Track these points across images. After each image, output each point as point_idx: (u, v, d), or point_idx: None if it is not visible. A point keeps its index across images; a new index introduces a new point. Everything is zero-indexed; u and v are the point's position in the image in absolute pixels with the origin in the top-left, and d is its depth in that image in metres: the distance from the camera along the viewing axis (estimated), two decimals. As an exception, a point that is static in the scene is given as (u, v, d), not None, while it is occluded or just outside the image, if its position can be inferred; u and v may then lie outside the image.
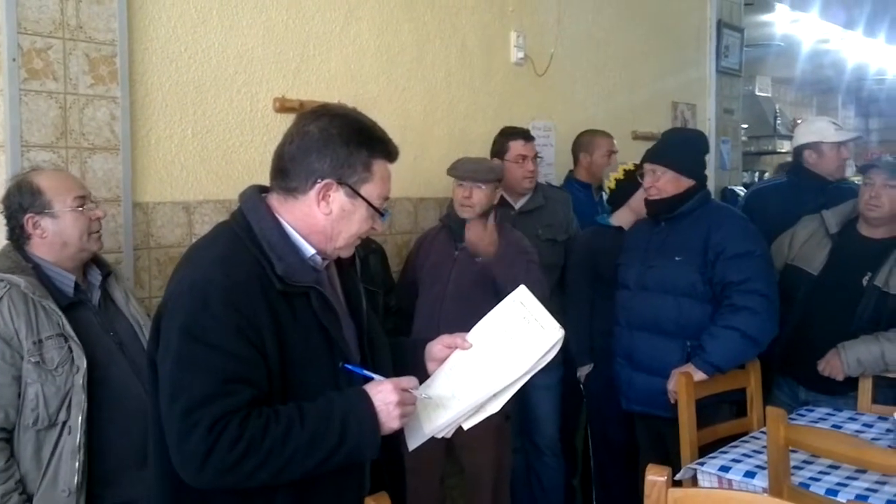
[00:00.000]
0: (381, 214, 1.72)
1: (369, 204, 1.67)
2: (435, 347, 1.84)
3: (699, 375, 2.83)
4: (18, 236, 2.19)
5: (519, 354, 1.74)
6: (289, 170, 1.65)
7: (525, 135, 3.56)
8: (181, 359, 1.50)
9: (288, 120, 2.91)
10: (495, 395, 1.73)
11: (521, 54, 4.12)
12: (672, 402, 2.85)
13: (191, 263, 1.63)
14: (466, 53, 3.87)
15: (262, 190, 1.72)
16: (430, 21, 3.68)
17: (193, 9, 2.81)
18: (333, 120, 1.65)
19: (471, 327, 1.87)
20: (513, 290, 1.89)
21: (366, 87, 3.37)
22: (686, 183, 3.07)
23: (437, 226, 3.37)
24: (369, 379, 1.66)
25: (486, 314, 1.87)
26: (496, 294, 2.99)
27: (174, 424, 1.48)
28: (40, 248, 2.19)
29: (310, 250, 1.68)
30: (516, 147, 3.53)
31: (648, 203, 3.13)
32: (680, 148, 3.15)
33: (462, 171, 3.15)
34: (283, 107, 3.04)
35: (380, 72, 3.46)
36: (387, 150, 1.69)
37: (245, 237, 1.62)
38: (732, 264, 2.90)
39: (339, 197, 1.65)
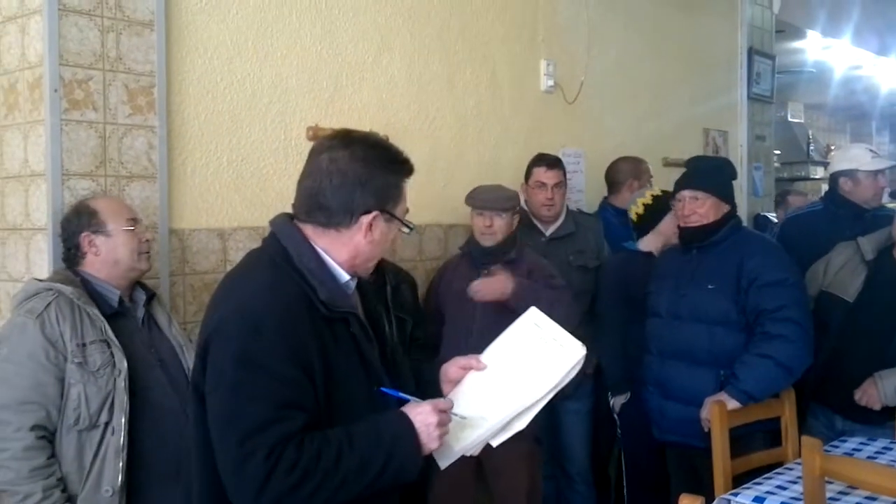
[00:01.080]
0: (410, 229, 1.77)
1: (402, 222, 1.74)
2: (450, 369, 1.85)
3: (733, 404, 2.80)
4: (74, 255, 2.32)
5: (542, 372, 1.75)
6: (331, 207, 1.66)
7: (549, 161, 3.56)
8: (235, 386, 1.51)
9: (321, 148, 2.99)
10: (522, 413, 1.74)
11: (550, 82, 4.14)
12: (705, 430, 2.82)
13: (235, 291, 1.64)
14: (496, 82, 3.90)
15: (291, 217, 1.74)
16: (461, 51, 3.72)
17: (229, 40, 2.87)
18: (369, 150, 1.68)
19: None
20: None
21: (397, 115, 3.41)
22: (724, 209, 3.06)
23: (457, 254, 3.39)
24: (405, 401, 1.67)
25: None
26: None
27: (230, 452, 1.49)
28: (93, 266, 2.31)
29: (344, 276, 1.70)
30: (537, 173, 3.55)
31: (686, 230, 3.10)
32: (716, 173, 3.14)
33: (480, 200, 3.19)
34: (316, 135, 3.08)
35: (411, 100, 3.49)
36: (410, 170, 1.75)
37: (285, 264, 1.64)
38: (766, 292, 2.88)
39: (380, 224, 1.69)
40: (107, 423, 2.16)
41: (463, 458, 1.78)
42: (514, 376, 1.78)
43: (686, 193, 3.09)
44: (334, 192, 1.65)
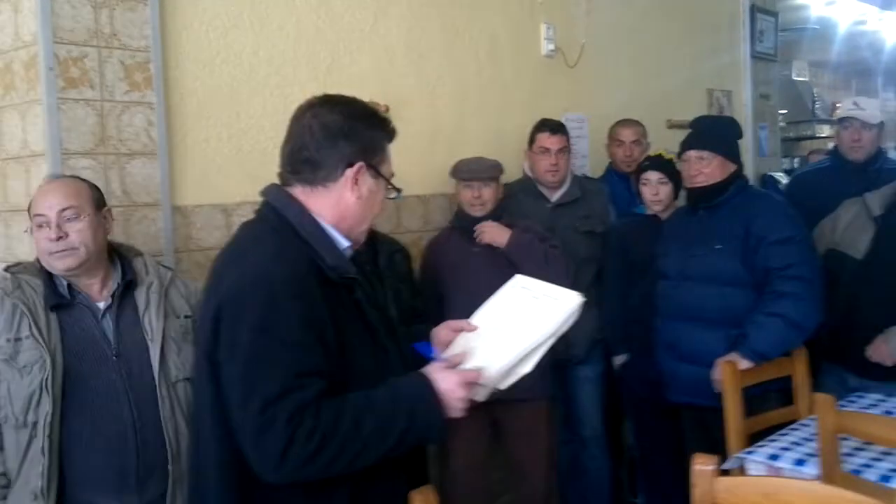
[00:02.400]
0: (398, 192, 1.78)
1: (389, 183, 1.75)
2: (441, 332, 1.87)
3: (744, 364, 2.79)
4: None
5: (539, 319, 1.76)
6: (317, 160, 1.67)
7: (552, 127, 3.53)
8: (252, 356, 1.50)
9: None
10: (526, 356, 1.73)
11: (551, 46, 4.09)
12: (717, 391, 2.81)
13: (243, 260, 1.62)
14: (496, 48, 3.85)
15: (282, 185, 1.73)
16: (459, 17, 3.67)
17: (224, 13, 2.83)
18: (350, 106, 1.72)
19: None
20: (538, 274, 1.92)
21: (397, 85, 3.37)
22: (731, 168, 3.04)
23: (445, 229, 3.38)
24: (429, 359, 1.69)
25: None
26: None
27: (249, 423, 1.48)
28: None
29: (343, 242, 1.70)
30: (541, 139, 3.52)
31: (693, 191, 3.08)
32: (722, 132, 3.12)
33: (467, 172, 3.22)
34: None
35: (410, 70, 3.46)
36: (392, 131, 1.78)
37: (289, 232, 1.64)
38: (774, 250, 2.86)
39: (367, 179, 1.69)
40: (34, 424, 2.05)
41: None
42: (511, 327, 1.79)
43: (692, 153, 3.06)
44: (318, 145, 1.67)
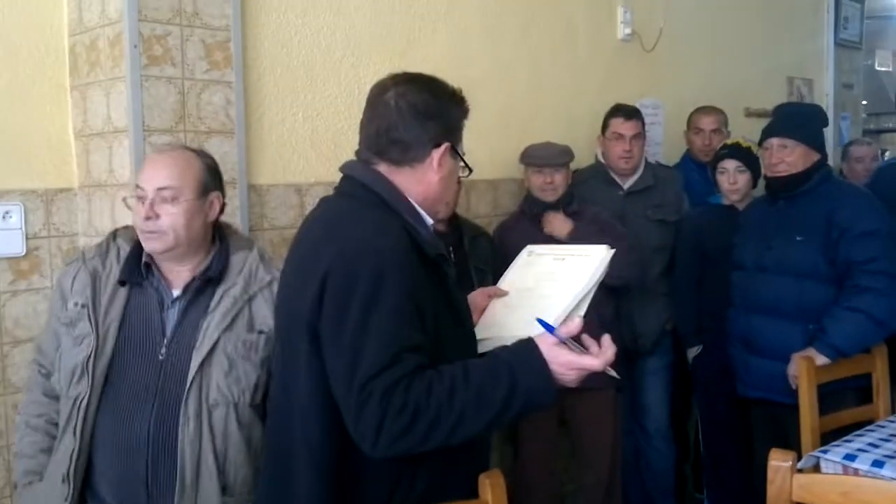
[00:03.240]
0: (470, 170, 1.76)
1: (464, 162, 1.73)
2: (476, 297, 1.88)
3: (821, 360, 2.71)
4: None
5: (572, 276, 1.76)
6: (406, 140, 1.64)
7: (627, 112, 3.47)
8: (360, 330, 1.49)
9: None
10: (570, 316, 1.69)
11: (628, 30, 4.02)
12: (793, 387, 2.74)
13: (345, 234, 1.59)
14: (571, 30, 3.80)
15: (364, 162, 1.71)
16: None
17: (303, -7, 2.85)
18: (434, 84, 1.69)
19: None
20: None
21: (471, 66, 3.35)
22: (814, 157, 2.95)
23: (514, 214, 3.36)
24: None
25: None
26: None
27: (352, 398, 1.48)
28: None
29: (429, 219, 1.70)
30: (614, 124, 3.46)
31: (774, 180, 3.00)
32: (806, 120, 3.03)
33: (538, 158, 3.21)
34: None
35: (484, 51, 3.43)
36: (467, 108, 1.74)
37: (382, 207, 1.63)
38: (857, 243, 2.76)
39: (448, 159, 1.68)
40: (74, 399, 1.94)
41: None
42: (545, 289, 1.78)
43: (774, 141, 2.98)
44: (407, 126, 1.64)
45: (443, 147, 1.66)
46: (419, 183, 1.67)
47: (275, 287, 1.94)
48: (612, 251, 1.77)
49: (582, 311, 1.71)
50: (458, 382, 1.49)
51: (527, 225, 3.22)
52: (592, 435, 3.19)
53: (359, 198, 1.66)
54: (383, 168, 1.67)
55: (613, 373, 1.58)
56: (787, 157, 2.94)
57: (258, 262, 2.08)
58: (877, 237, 2.79)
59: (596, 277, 1.73)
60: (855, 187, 3.10)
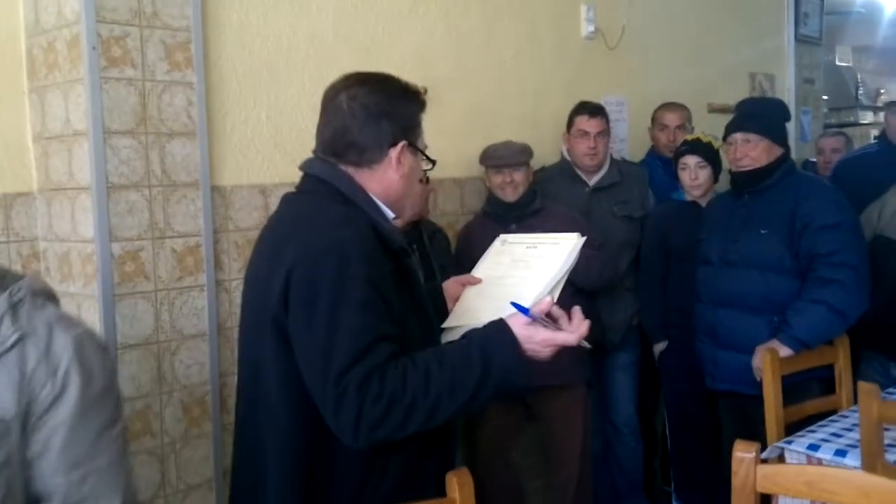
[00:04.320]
0: (433, 164, 1.77)
1: (425, 155, 1.75)
2: (450, 286, 1.92)
3: (785, 351, 2.75)
4: None
5: (544, 263, 1.78)
6: (361, 142, 1.66)
7: (591, 110, 3.49)
8: (330, 323, 1.49)
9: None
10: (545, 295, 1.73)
11: (591, 28, 4.04)
12: (757, 379, 2.77)
13: (309, 229, 1.60)
14: (536, 29, 3.81)
15: (326, 160, 1.71)
16: (499, -2, 3.64)
17: (265, -7, 2.83)
18: (386, 83, 1.70)
19: None
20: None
21: (435, 67, 3.35)
22: (777, 152, 2.99)
23: (477, 214, 3.37)
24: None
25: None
26: None
27: (329, 391, 1.48)
28: None
29: (390, 214, 1.71)
30: (579, 122, 3.48)
31: (738, 174, 3.03)
32: (768, 115, 3.07)
33: (497, 158, 3.21)
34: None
35: (449, 51, 3.43)
36: (424, 102, 1.76)
37: (345, 202, 1.64)
38: (820, 236, 2.80)
39: (408, 156, 1.70)
40: None
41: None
42: (517, 276, 1.81)
43: (738, 136, 3.01)
44: (361, 128, 1.66)
45: (399, 145, 1.67)
46: (380, 182, 1.68)
47: (29, 348, 1.19)
48: (584, 238, 1.80)
49: (555, 296, 1.72)
50: (433, 367, 1.51)
51: (491, 225, 3.22)
52: (562, 431, 3.19)
53: (320, 193, 1.67)
54: (345, 168, 1.69)
55: (586, 344, 1.63)
56: (750, 152, 2.97)
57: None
58: (839, 230, 2.83)
59: (569, 264, 1.76)
60: (818, 181, 3.15)
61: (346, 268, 1.51)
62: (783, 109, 3.21)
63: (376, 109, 1.66)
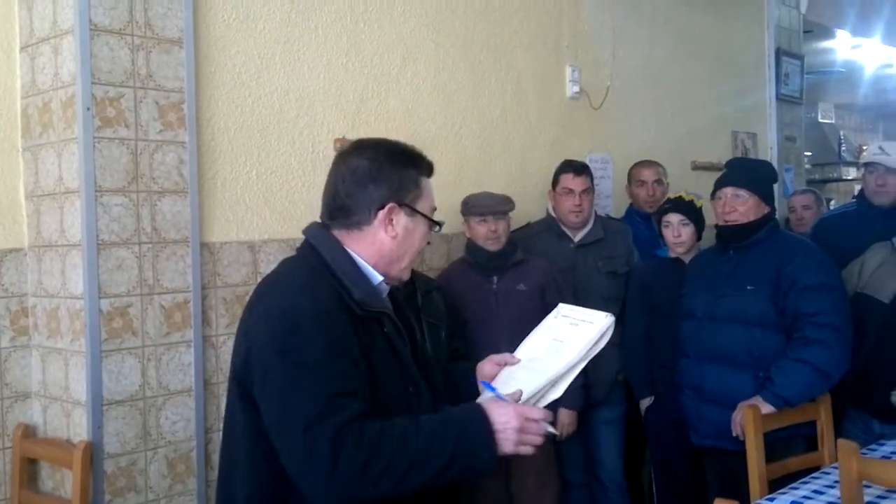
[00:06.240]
0: (439, 225, 1.82)
1: (427, 218, 1.77)
2: (486, 366, 1.91)
3: (767, 408, 2.77)
4: None
5: (570, 344, 1.80)
6: (349, 206, 1.73)
7: (576, 168, 3.55)
8: (286, 383, 1.55)
9: (348, 160, 3.01)
10: (557, 382, 1.76)
11: (576, 88, 4.14)
12: (734, 434, 2.79)
13: (272, 294, 1.69)
14: (522, 89, 3.90)
15: (323, 225, 1.79)
16: (486, 60, 3.73)
17: (257, 55, 2.90)
18: (377, 149, 1.76)
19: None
20: None
21: (423, 125, 3.43)
22: (764, 209, 3.03)
23: (456, 262, 3.40)
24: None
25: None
26: (545, 311, 3.12)
27: (296, 445, 1.51)
28: None
29: (377, 278, 1.75)
30: (564, 180, 3.54)
31: (725, 229, 3.06)
32: (759, 174, 3.13)
33: (481, 207, 3.25)
34: (343, 147, 3.11)
35: (437, 111, 3.51)
36: (427, 166, 1.81)
37: (320, 268, 1.69)
38: (806, 296, 2.83)
39: (401, 218, 1.74)
40: None
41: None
42: (545, 355, 1.83)
43: (728, 190, 3.04)
44: (349, 192, 1.72)
45: (387, 207, 1.71)
46: (371, 244, 1.73)
47: None
48: (612, 319, 1.81)
49: (570, 378, 1.76)
50: (409, 432, 1.54)
51: (474, 275, 3.26)
52: (536, 486, 3.19)
53: (306, 258, 1.74)
54: (337, 232, 1.75)
55: (552, 429, 1.66)
56: (739, 207, 3.00)
57: None
58: (825, 290, 2.85)
59: (591, 351, 1.78)
60: (803, 241, 3.18)
61: (296, 333, 1.56)
62: (772, 171, 3.27)
63: (362, 174, 1.72)
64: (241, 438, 1.65)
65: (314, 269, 1.69)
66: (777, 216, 3.25)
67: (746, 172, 3.11)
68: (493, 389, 1.72)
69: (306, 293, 1.62)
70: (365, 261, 1.73)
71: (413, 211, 1.75)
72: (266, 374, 1.58)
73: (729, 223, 3.04)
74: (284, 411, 1.53)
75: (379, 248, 1.73)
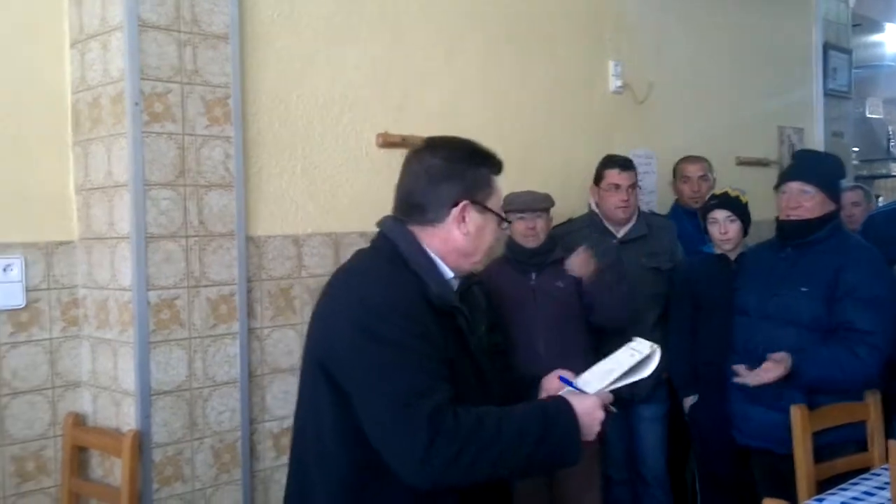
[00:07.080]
0: (508, 222, 1.89)
1: (497, 215, 1.83)
2: (549, 381, 1.96)
3: (776, 369, 2.71)
4: None
5: (614, 368, 1.84)
6: (424, 204, 1.77)
7: (621, 163, 3.52)
8: (384, 363, 1.59)
9: (390, 154, 3.03)
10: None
11: (619, 83, 4.11)
12: (739, 374, 2.78)
13: (357, 284, 1.73)
14: (565, 83, 3.88)
15: (398, 220, 1.83)
16: (529, 54, 3.72)
17: (301, 51, 2.92)
18: (452, 148, 1.81)
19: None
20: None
21: (466, 120, 3.42)
22: (829, 207, 2.91)
23: (496, 260, 3.34)
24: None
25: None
26: (583, 309, 3.20)
27: (394, 421, 1.54)
28: None
29: (448, 273, 1.80)
30: (610, 175, 3.51)
31: (787, 224, 2.95)
32: (828, 170, 3.01)
33: (520, 204, 3.23)
34: (386, 142, 3.12)
35: (479, 105, 3.51)
36: (497, 164, 1.86)
37: (396, 261, 1.74)
38: (859, 309, 2.75)
39: (473, 215, 1.78)
40: None
41: None
42: (600, 378, 1.86)
43: (794, 185, 2.91)
44: (424, 190, 1.78)
45: (460, 205, 1.75)
46: (445, 241, 1.78)
47: None
48: (652, 349, 1.83)
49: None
50: (504, 419, 1.59)
51: (512, 272, 3.25)
52: (578, 487, 3.18)
53: (380, 250, 1.79)
54: (412, 227, 1.80)
55: (613, 408, 1.76)
56: (805, 202, 2.88)
57: None
58: (880, 307, 2.76)
59: (630, 377, 1.81)
60: (866, 246, 3.01)
61: (390, 321, 1.61)
62: (840, 166, 3.12)
63: (435, 172, 1.77)
64: (326, 419, 1.68)
65: (392, 261, 1.74)
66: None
67: (815, 167, 2.98)
68: (571, 384, 1.79)
69: (393, 286, 1.68)
70: (438, 256, 1.78)
71: (484, 208, 1.79)
72: (359, 358, 1.61)
73: (791, 218, 2.93)
74: (382, 390, 1.56)
75: (452, 244, 1.78)
